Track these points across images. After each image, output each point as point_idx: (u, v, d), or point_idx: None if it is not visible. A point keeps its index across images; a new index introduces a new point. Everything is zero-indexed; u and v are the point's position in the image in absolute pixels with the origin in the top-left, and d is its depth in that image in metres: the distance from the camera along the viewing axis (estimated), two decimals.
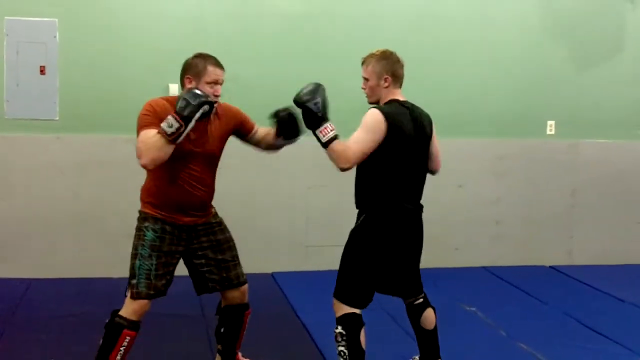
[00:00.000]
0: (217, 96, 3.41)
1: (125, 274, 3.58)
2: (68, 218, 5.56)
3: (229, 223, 6.03)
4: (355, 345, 3.48)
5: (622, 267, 6.39)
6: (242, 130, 3.71)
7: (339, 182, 6.06)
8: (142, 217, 3.47)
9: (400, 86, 3.61)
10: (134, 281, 3.40)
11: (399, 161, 3.52)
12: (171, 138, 3.16)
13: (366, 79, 3.59)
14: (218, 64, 3.44)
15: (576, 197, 6.52)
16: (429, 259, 6.19)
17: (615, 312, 5.20)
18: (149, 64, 5.59)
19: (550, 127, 6.41)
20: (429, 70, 5.95)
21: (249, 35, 5.82)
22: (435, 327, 3.83)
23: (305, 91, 3.44)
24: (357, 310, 3.52)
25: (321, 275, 5.82)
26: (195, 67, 3.40)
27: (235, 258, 3.70)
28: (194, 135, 3.37)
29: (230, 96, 5.75)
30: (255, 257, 5.91)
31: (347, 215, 6.03)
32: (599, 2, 6.46)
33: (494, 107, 6.27)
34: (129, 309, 3.40)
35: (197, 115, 3.19)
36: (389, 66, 3.55)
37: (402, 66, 3.60)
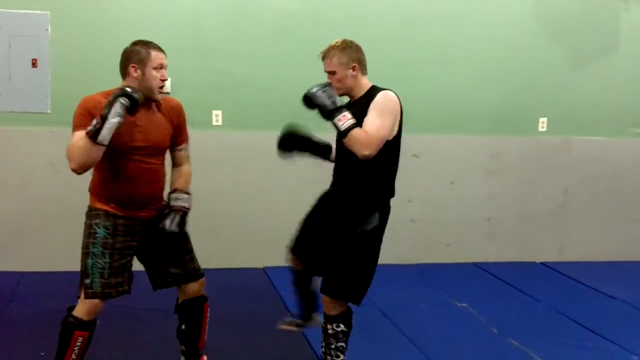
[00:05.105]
0: (164, 80, 3.35)
1: None
2: (60, 211, 5.54)
3: (221, 217, 6.02)
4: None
5: (614, 264, 6.41)
6: (174, 139, 3.53)
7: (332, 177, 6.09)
8: (93, 214, 3.36)
9: (366, 73, 3.49)
10: (88, 281, 3.31)
11: (397, 150, 3.43)
12: (90, 135, 3.10)
13: (332, 72, 3.42)
14: (160, 48, 3.38)
15: (568, 194, 6.53)
16: (420, 255, 6.25)
17: (606, 309, 5.22)
18: None
19: (542, 124, 6.43)
20: (422, 68, 5.94)
21: (244, 33, 5.79)
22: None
23: (314, 86, 3.34)
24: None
25: None
26: (138, 54, 3.31)
27: (191, 251, 3.58)
28: (138, 128, 3.30)
29: (226, 93, 5.80)
30: (247, 251, 5.93)
31: None
32: (592, 0, 6.46)
33: (486, 104, 6.27)
34: (82, 308, 3.33)
35: (114, 110, 3.08)
36: (353, 54, 3.42)
37: (363, 52, 3.48)
